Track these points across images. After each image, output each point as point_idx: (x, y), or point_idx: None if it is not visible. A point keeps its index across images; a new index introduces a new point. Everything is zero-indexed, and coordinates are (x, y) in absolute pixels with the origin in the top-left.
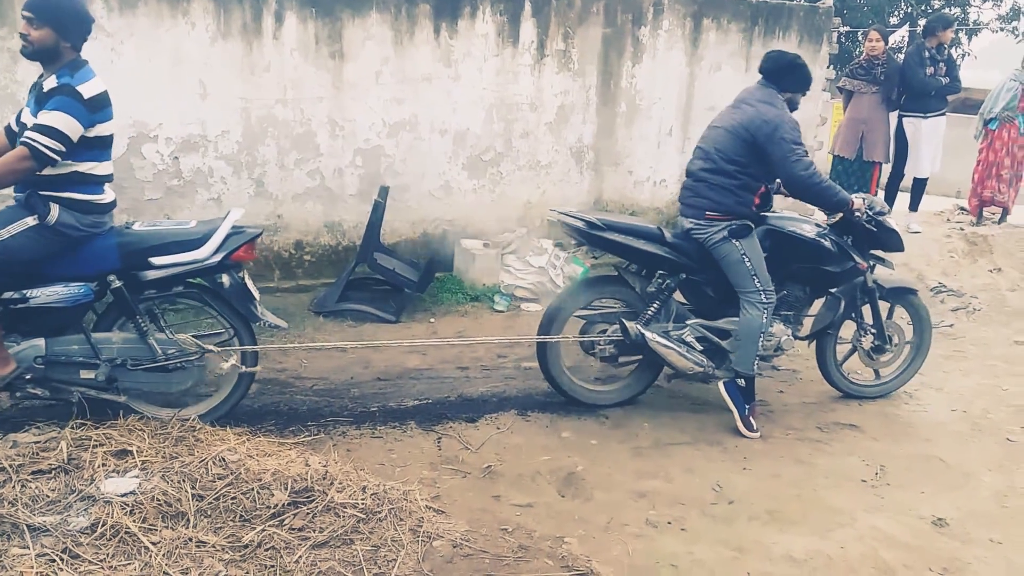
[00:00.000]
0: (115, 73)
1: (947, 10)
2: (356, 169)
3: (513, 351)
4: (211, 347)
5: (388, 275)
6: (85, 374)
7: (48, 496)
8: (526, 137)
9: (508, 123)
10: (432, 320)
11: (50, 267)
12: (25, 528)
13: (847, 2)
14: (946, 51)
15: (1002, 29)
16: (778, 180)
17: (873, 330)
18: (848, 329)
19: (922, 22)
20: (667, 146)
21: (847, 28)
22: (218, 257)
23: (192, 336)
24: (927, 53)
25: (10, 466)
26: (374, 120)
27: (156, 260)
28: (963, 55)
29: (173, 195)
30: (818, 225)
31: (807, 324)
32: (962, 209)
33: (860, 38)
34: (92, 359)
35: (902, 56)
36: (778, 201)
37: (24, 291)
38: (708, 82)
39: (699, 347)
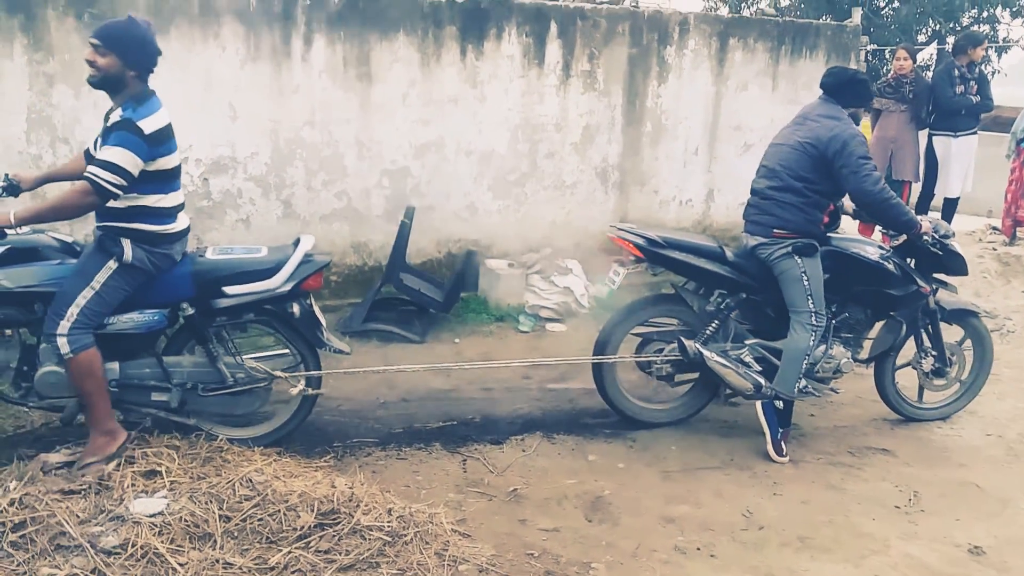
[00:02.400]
0: None
1: (976, 27)
2: (382, 190)
3: (538, 372)
4: (280, 373)
5: (414, 295)
6: (157, 397)
7: (78, 516)
8: (551, 157)
9: (533, 143)
10: (457, 340)
11: (130, 297)
12: (55, 547)
13: (874, 20)
14: (977, 69)
15: None
16: (844, 198)
17: (934, 352)
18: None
19: (950, 40)
20: (693, 165)
21: (874, 46)
22: (289, 286)
23: (258, 359)
24: (957, 71)
25: (40, 486)
26: (401, 141)
27: (229, 289)
28: (993, 72)
29: (203, 216)
30: (881, 247)
31: (866, 347)
32: (994, 229)
33: (888, 56)
34: (164, 383)
35: (930, 74)
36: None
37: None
38: (734, 102)
39: (757, 367)
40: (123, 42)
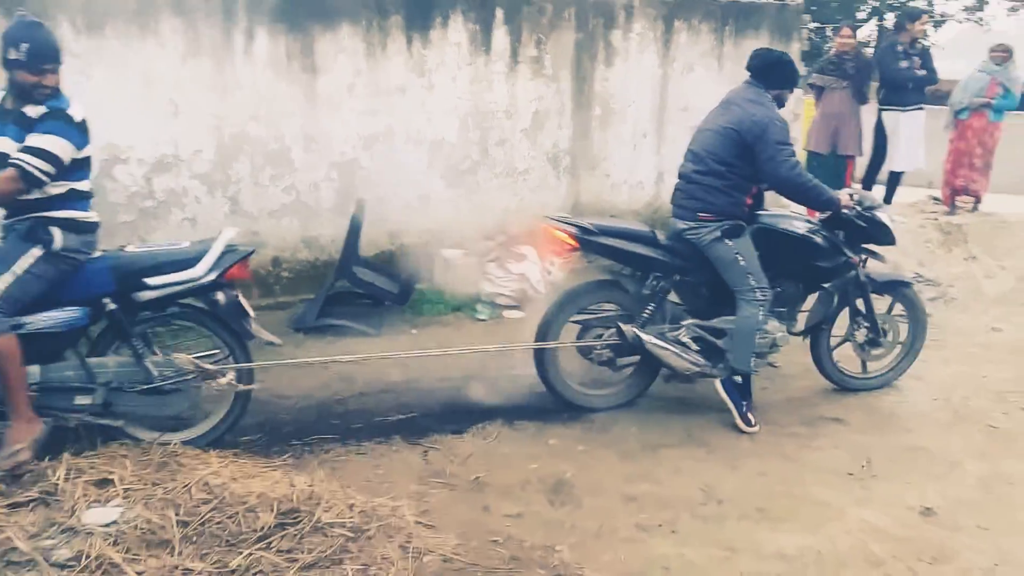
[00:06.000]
0: (84, 96)
1: (913, 2)
2: (332, 183)
3: (498, 360)
4: (207, 366)
5: (368, 288)
6: (81, 400)
7: (27, 530)
8: (502, 144)
9: (484, 131)
10: (414, 332)
11: (49, 293)
12: (6, 563)
13: None
14: (919, 45)
15: (968, 19)
16: None
17: (866, 324)
18: (842, 322)
19: (889, 16)
20: (643, 148)
21: (816, 24)
22: (212, 275)
23: (188, 356)
24: (900, 47)
25: None
26: (348, 133)
27: (151, 280)
28: (928, 46)
29: (147, 216)
30: (809, 221)
31: (801, 319)
32: (935, 199)
33: (830, 34)
34: (88, 384)
35: (871, 51)
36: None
37: (18, 317)
38: (681, 83)
39: (695, 347)
40: (59, 50)
